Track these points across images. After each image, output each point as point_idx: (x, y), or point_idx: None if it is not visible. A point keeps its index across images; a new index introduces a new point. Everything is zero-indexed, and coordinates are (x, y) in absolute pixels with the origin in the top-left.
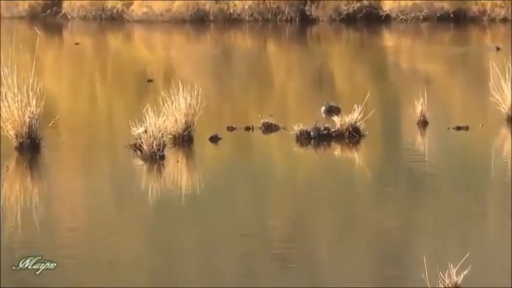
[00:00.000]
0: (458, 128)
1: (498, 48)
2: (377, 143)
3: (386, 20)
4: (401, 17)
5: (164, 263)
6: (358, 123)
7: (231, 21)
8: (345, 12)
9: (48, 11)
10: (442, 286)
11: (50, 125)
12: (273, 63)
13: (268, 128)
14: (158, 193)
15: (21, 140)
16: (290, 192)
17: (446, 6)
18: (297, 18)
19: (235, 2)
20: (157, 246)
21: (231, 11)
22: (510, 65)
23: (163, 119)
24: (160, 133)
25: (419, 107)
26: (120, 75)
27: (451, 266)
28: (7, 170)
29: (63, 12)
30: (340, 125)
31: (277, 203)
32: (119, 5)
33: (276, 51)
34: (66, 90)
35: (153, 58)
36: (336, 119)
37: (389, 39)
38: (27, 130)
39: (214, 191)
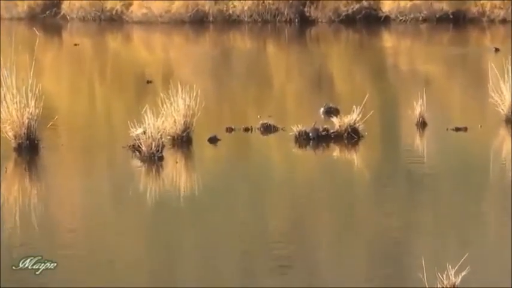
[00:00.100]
0: (457, 129)
1: (497, 50)
2: (376, 144)
3: (385, 21)
4: (401, 18)
5: (163, 264)
6: (357, 124)
7: (230, 22)
8: (344, 13)
9: (47, 12)
10: (441, 287)
11: (48, 126)
12: (272, 64)
13: (267, 129)
14: (157, 194)
15: (19, 141)
16: (289, 193)
17: (446, 7)
18: (296, 19)
19: (235, 3)
20: (156, 247)
21: (230, 12)
22: (509, 66)
23: (162, 120)
24: (159, 134)
25: (418, 108)
26: (119, 76)
27: (450, 266)
28: (6, 171)
29: (62, 13)
30: (339, 126)
31: (276, 204)
32: (118, 6)
33: (275, 52)
34: (65, 91)
35: (152, 59)
36: (334, 120)
37: (388, 40)
38: (25, 131)
39: (213, 192)
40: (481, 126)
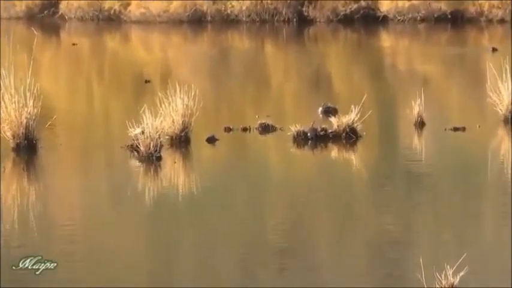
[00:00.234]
0: (456, 129)
1: (494, 49)
2: (374, 144)
3: (383, 20)
4: (399, 17)
5: (161, 264)
6: (355, 124)
7: (228, 22)
8: (342, 13)
9: (45, 12)
10: (439, 287)
11: (47, 125)
12: (270, 64)
13: (265, 129)
14: (155, 194)
15: (18, 141)
16: (287, 193)
17: (444, 7)
18: (295, 19)
19: (233, 3)
20: (154, 247)
21: (229, 11)
22: (507, 66)
23: (160, 119)
24: (157, 134)
25: (416, 107)
26: (118, 76)
27: (448, 266)
28: (4, 171)
29: (60, 13)
30: (337, 126)
31: (274, 204)
32: (116, 6)
33: (274, 52)
34: (63, 91)
35: (150, 59)
36: (333, 119)
37: (386, 40)
38: (24, 131)
39: (211, 192)
40: (479, 126)
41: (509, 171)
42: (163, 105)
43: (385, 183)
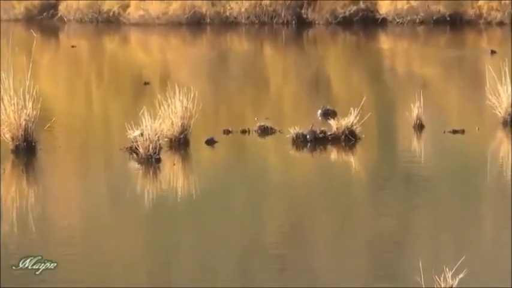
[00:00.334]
0: (455, 132)
1: (493, 52)
2: (373, 146)
3: (382, 23)
4: (398, 20)
5: (160, 266)
6: (355, 127)
7: (227, 24)
8: (341, 15)
9: (44, 14)
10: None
11: (46, 127)
12: (269, 66)
13: (265, 131)
14: (154, 196)
15: (17, 143)
16: (286, 196)
17: (443, 9)
18: (294, 21)
19: (232, 5)
20: (153, 249)
21: (228, 13)
22: (506, 69)
23: (159, 122)
24: (157, 136)
25: (415, 110)
26: (117, 78)
27: (447, 269)
28: (3, 173)
29: (59, 14)
30: (337, 128)
31: (273, 206)
32: (115, 8)
33: (273, 54)
34: (62, 93)
35: (149, 61)
36: (332, 122)
37: (385, 42)
38: (23, 133)
39: (210, 194)
40: (478, 129)
41: (509, 174)
42: (162, 107)
43: (384, 186)
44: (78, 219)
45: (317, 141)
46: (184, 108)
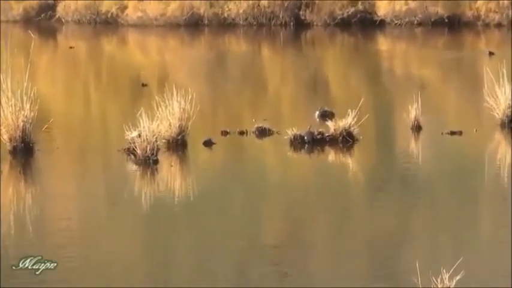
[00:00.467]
0: (452, 133)
1: (491, 53)
2: (371, 147)
3: (380, 24)
4: (396, 21)
5: (158, 267)
6: (352, 128)
7: (225, 25)
8: (339, 17)
9: (42, 15)
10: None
11: (43, 129)
12: (267, 67)
13: (262, 133)
14: (152, 197)
15: (15, 144)
16: (284, 197)
17: (441, 11)
18: (292, 23)
19: (230, 6)
20: (151, 250)
21: (226, 15)
22: (504, 70)
23: (157, 123)
24: (154, 137)
25: (413, 111)
26: (114, 79)
27: (444, 270)
28: (1, 174)
29: (57, 16)
30: (334, 130)
31: (270, 208)
32: (114, 9)
33: (271, 56)
34: (60, 94)
35: (147, 62)
36: (329, 123)
37: (383, 43)
38: (21, 134)
39: (208, 196)
40: (476, 130)
41: (506, 175)
42: (160, 109)
43: (382, 187)
44: (76, 220)
45: (315, 142)
46: (182, 110)
